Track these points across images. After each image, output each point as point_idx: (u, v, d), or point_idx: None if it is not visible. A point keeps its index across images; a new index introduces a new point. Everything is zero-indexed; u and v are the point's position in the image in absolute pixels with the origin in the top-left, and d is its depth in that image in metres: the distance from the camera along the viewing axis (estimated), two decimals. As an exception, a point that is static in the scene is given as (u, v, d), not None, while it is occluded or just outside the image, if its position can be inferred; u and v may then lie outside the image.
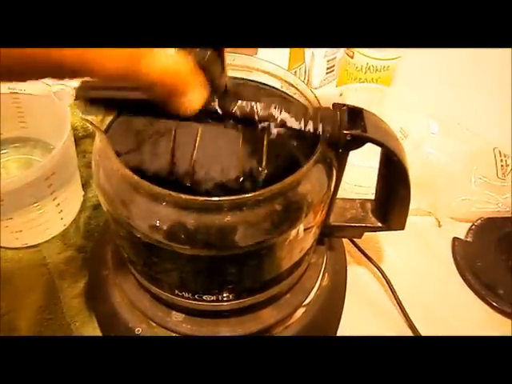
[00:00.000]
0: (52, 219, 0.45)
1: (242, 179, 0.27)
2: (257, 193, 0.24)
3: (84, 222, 0.48)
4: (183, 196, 0.25)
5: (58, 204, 0.43)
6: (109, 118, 0.31)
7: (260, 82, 0.35)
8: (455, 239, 0.48)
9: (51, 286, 0.43)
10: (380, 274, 0.44)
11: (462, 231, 0.49)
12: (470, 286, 0.45)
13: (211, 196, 0.25)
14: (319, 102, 0.30)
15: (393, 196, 0.34)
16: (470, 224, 0.49)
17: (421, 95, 0.58)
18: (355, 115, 0.29)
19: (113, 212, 0.29)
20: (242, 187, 0.27)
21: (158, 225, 0.27)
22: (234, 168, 0.27)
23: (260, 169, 0.27)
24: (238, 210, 0.25)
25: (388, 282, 0.44)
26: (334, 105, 0.29)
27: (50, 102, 0.44)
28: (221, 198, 0.24)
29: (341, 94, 0.47)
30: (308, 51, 0.60)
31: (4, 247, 0.45)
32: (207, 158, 0.28)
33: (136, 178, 0.25)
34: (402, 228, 0.36)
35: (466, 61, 0.58)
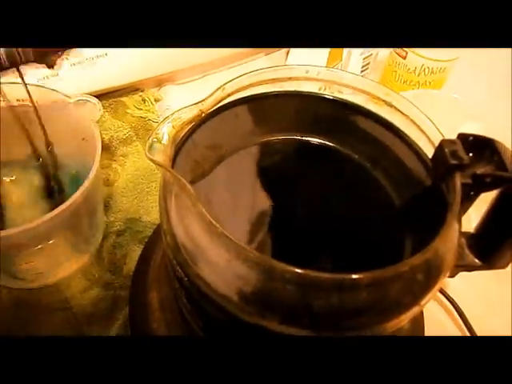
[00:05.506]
0: (74, 252, 0.38)
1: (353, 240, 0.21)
2: (398, 265, 0.19)
3: (108, 253, 0.42)
4: (300, 271, 0.19)
5: (83, 235, 0.37)
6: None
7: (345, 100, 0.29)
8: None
9: (80, 335, 0.37)
10: (452, 307, 0.40)
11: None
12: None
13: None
14: (440, 132, 0.24)
15: (505, 234, 0.29)
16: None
17: (471, 100, 0.53)
18: (485, 147, 0.24)
19: (181, 269, 0.23)
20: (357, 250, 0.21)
21: (249, 298, 0.21)
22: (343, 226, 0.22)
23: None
24: (375, 288, 0.19)
25: (461, 314, 0.39)
26: (459, 136, 0.24)
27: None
28: (358, 276, 0.18)
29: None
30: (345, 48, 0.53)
31: (18, 289, 0.38)
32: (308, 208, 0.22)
33: (239, 244, 0.19)
34: (505, 267, 0.31)
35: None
